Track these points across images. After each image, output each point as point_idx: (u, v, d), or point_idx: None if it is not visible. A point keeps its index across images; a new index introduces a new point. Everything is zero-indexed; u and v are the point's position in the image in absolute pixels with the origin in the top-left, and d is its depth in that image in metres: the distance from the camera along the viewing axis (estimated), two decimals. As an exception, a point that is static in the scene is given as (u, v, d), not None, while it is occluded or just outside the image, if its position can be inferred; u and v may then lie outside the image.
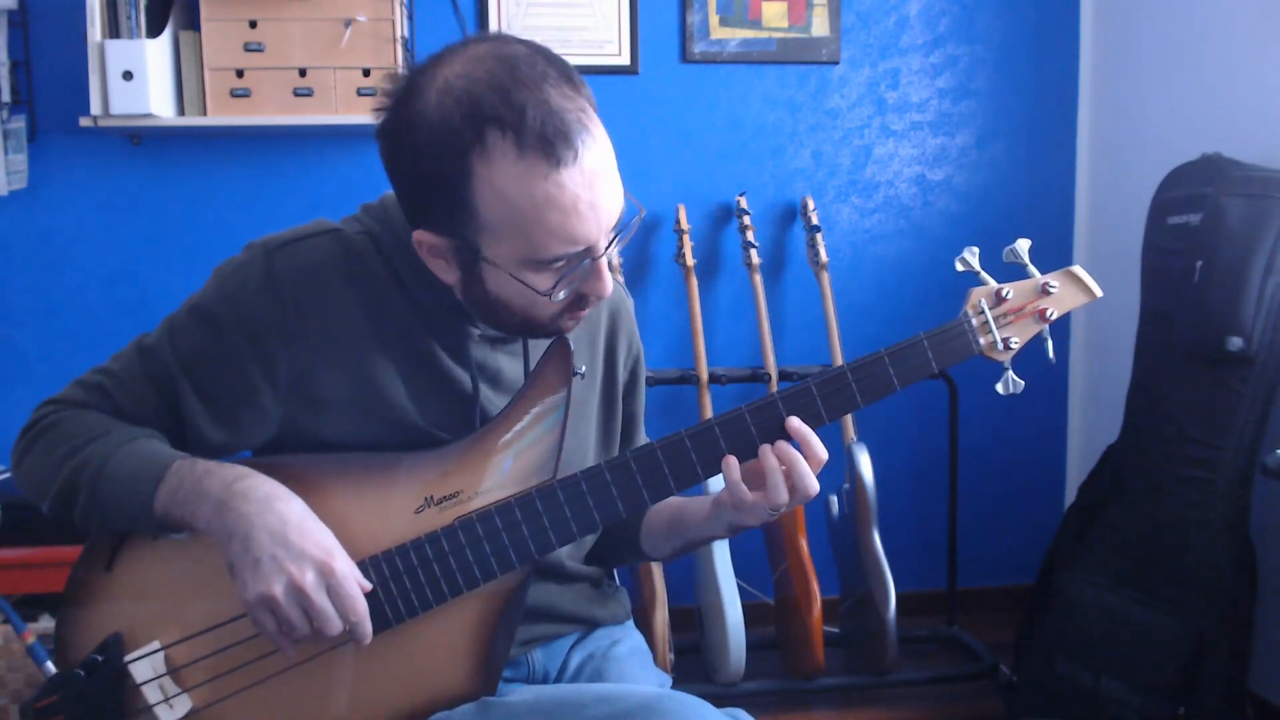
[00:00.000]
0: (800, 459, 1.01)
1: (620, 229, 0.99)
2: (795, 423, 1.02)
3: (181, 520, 1.00)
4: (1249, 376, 1.97)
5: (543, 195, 0.92)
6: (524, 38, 0.97)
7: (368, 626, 0.99)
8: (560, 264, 0.96)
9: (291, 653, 1.00)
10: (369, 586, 1.00)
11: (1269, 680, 2.19)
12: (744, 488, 1.02)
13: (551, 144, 0.91)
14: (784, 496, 1.01)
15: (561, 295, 0.99)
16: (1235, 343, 1.96)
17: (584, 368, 1.14)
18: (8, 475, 2.34)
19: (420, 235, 0.99)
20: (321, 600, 0.96)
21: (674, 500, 1.19)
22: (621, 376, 1.25)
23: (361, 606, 0.98)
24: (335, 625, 0.97)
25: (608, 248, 0.98)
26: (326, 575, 0.96)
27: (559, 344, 1.06)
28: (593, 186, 0.94)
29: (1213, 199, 2.07)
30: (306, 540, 0.97)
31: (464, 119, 0.91)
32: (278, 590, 0.95)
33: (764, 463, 1.01)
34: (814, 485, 1.01)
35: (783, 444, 1.02)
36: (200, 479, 1.00)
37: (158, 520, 1.01)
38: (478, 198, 0.93)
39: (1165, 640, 1.99)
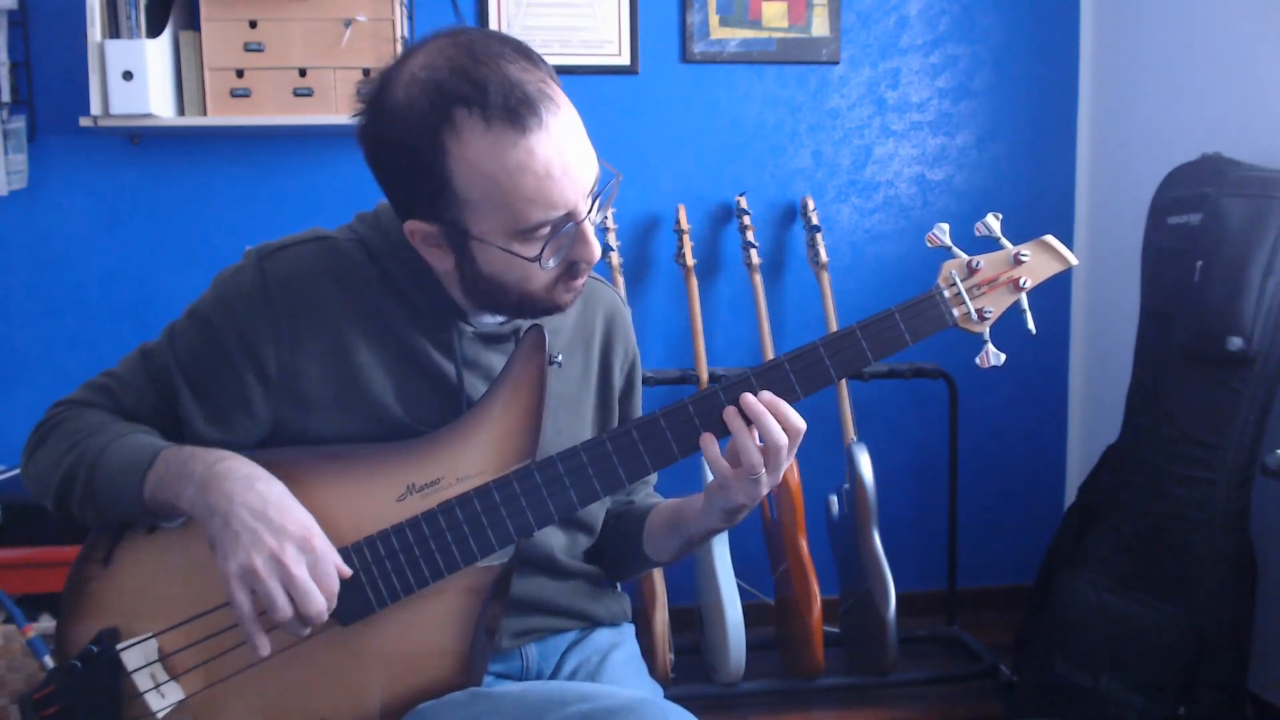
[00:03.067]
0: (765, 413, 1.02)
1: (600, 194, 1.03)
2: (766, 395, 1.03)
3: (168, 503, 1.03)
4: (1249, 376, 1.97)
5: (514, 163, 0.96)
6: (479, 27, 1.01)
7: (334, 603, 1.01)
8: (544, 230, 1.00)
9: (263, 650, 1.00)
10: (348, 572, 1.02)
11: (1269, 680, 2.19)
12: (724, 462, 1.04)
13: (516, 113, 0.95)
14: (755, 455, 1.02)
15: (551, 263, 1.02)
16: (1235, 343, 1.96)
17: (560, 356, 1.15)
18: (7, 475, 2.34)
19: (412, 225, 1.03)
20: (302, 573, 0.98)
21: (672, 500, 1.22)
22: (618, 381, 1.26)
23: (334, 585, 1.01)
24: (316, 600, 0.99)
25: (590, 211, 1.02)
26: (306, 550, 0.99)
27: (534, 332, 1.09)
28: (563, 150, 0.97)
29: (1213, 199, 2.07)
30: (286, 517, 1.00)
31: (432, 103, 0.96)
32: (258, 562, 0.97)
33: (730, 425, 1.02)
34: (781, 437, 1.02)
35: (746, 399, 1.02)
36: (185, 461, 1.03)
37: (146, 506, 1.04)
38: (455, 177, 0.98)
39: (1165, 640, 1.99)
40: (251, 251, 1.10)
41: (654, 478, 1.34)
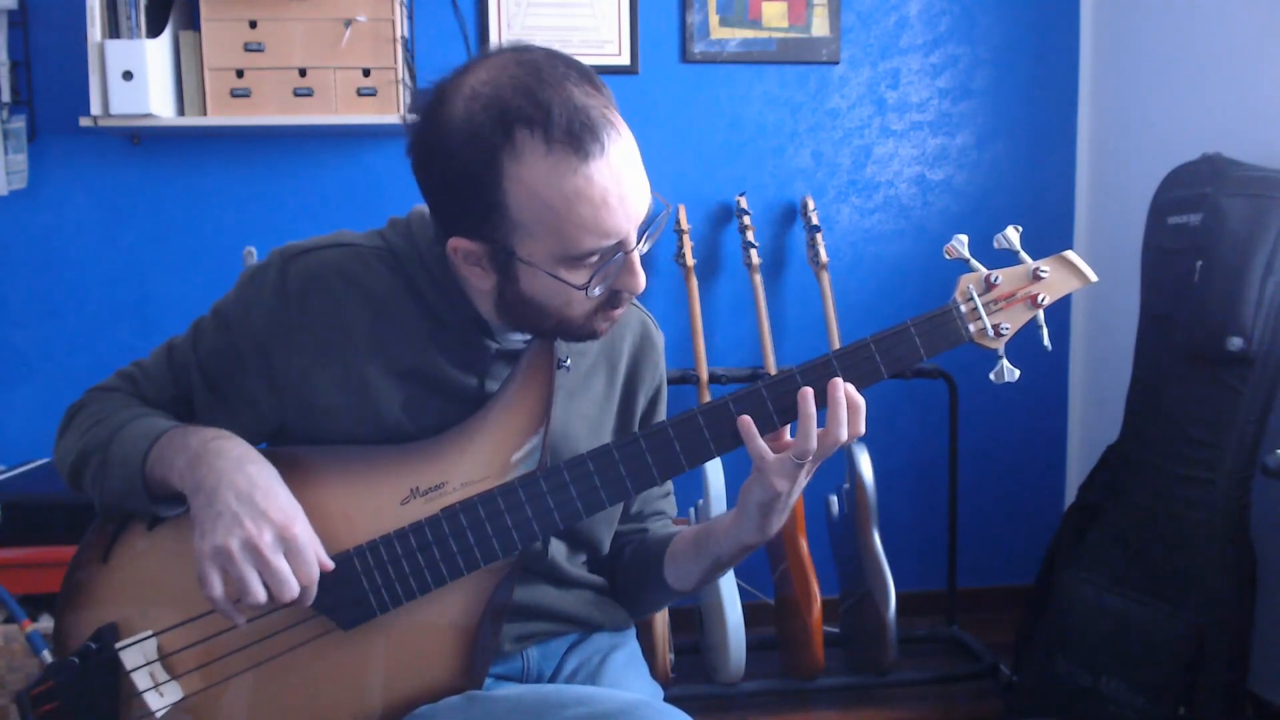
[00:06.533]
0: (843, 404, 1.02)
1: (649, 225, 1.02)
2: (849, 388, 1.03)
3: (164, 479, 1.03)
4: (1249, 376, 1.97)
5: (572, 189, 0.94)
6: (543, 45, 1.00)
7: (314, 593, 1.01)
8: (594, 259, 0.98)
9: (240, 621, 1.01)
10: (330, 565, 1.02)
11: (1269, 680, 2.19)
12: (763, 444, 1.03)
13: (579, 138, 0.94)
14: (813, 442, 1.01)
15: (597, 291, 1.00)
16: (1235, 343, 1.96)
17: (569, 360, 1.14)
18: (7, 475, 2.34)
19: (455, 242, 1.01)
20: (278, 560, 0.98)
21: (696, 525, 1.21)
22: (641, 404, 1.24)
23: (313, 573, 1.00)
24: (291, 587, 0.98)
25: (639, 241, 1.01)
26: (286, 539, 0.98)
27: (541, 338, 1.08)
28: (620, 179, 0.96)
29: (1213, 199, 2.07)
30: (270, 502, 0.99)
31: (493, 121, 0.94)
32: (233, 544, 0.97)
33: (801, 408, 1.02)
34: (844, 435, 1.02)
35: (809, 391, 1.03)
36: (185, 435, 1.04)
37: (146, 481, 1.04)
38: (510, 197, 0.96)
39: (1165, 640, 1.99)
40: (277, 251, 1.10)
41: (672, 509, 1.33)
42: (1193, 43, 2.49)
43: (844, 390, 1.02)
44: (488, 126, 0.94)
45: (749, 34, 2.76)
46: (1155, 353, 2.19)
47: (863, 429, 1.02)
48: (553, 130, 0.93)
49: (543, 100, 0.93)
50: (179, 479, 1.02)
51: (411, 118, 1.01)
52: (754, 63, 2.78)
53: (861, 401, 1.03)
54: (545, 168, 0.94)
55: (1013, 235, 1.06)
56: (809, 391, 1.02)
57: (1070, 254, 1.07)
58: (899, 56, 2.84)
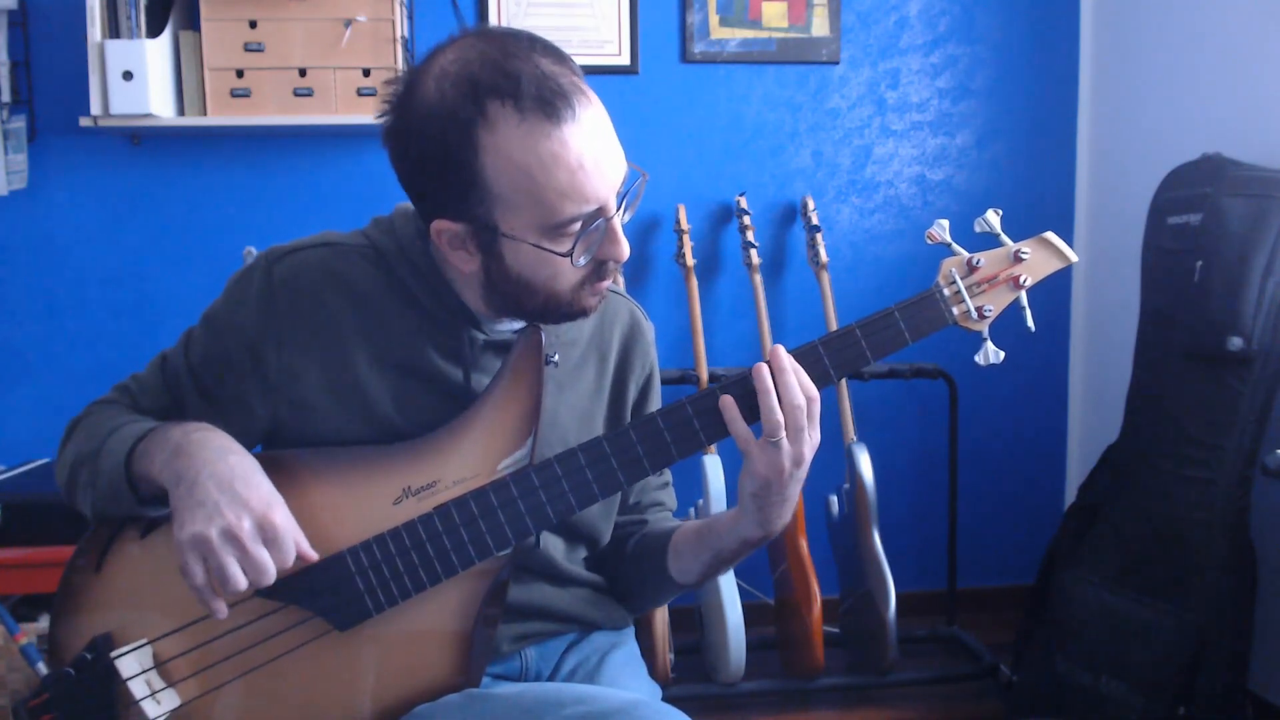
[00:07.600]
0: (787, 371, 1.01)
1: (627, 193, 1.02)
2: (784, 359, 1.02)
3: (148, 475, 1.03)
4: (1249, 376, 1.97)
5: (548, 154, 0.95)
6: (506, 26, 1.02)
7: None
8: (575, 225, 0.99)
9: (221, 611, 0.99)
10: (313, 555, 1.01)
11: (1269, 680, 2.19)
12: (744, 425, 1.02)
13: (550, 104, 0.95)
14: (778, 415, 1.00)
15: (582, 260, 1.01)
16: (1235, 343, 1.96)
17: (557, 356, 1.14)
18: (7, 475, 2.34)
19: (439, 225, 1.01)
20: (257, 549, 0.97)
21: (699, 519, 1.20)
22: (632, 394, 1.24)
23: (290, 562, 0.99)
24: (269, 575, 0.98)
25: (619, 208, 1.01)
26: (265, 527, 0.98)
27: (530, 333, 1.08)
28: (595, 143, 0.97)
29: (1213, 199, 2.07)
30: (251, 491, 0.99)
31: (464, 96, 0.96)
32: (212, 532, 0.96)
33: (756, 384, 1.01)
34: (798, 397, 1.00)
35: (759, 368, 1.02)
36: (167, 430, 1.04)
37: (130, 478, 1.03)
38: (488, 171, 0.97)
39: (1165, 640, 1.99)
40: (263, 254, 1.11)
41: (671, 500, 1.32)
42: (1193, 43, 2.49)
43: (779, 356, 1.02)
44: (459, 102, 0.96)
45: (749, 34, 2.76)
46: (1155, 353, 2.19)
47: (814, 390, 1.02)
48: (523, 99, 0.95)
49: (511, 71, 0.95)
50: (160, 472, 1.01)
51: (383, 107, 1.02)
52: (754, 63, 2.78)
53: (796, 365, 1.02)
54: (519, 135, 0.95)
55: (993, 218, 1.07)
56: (762, 367, 1.02)
57: (1050, 235, 1.08)
58: (899, 56, 2.84)
